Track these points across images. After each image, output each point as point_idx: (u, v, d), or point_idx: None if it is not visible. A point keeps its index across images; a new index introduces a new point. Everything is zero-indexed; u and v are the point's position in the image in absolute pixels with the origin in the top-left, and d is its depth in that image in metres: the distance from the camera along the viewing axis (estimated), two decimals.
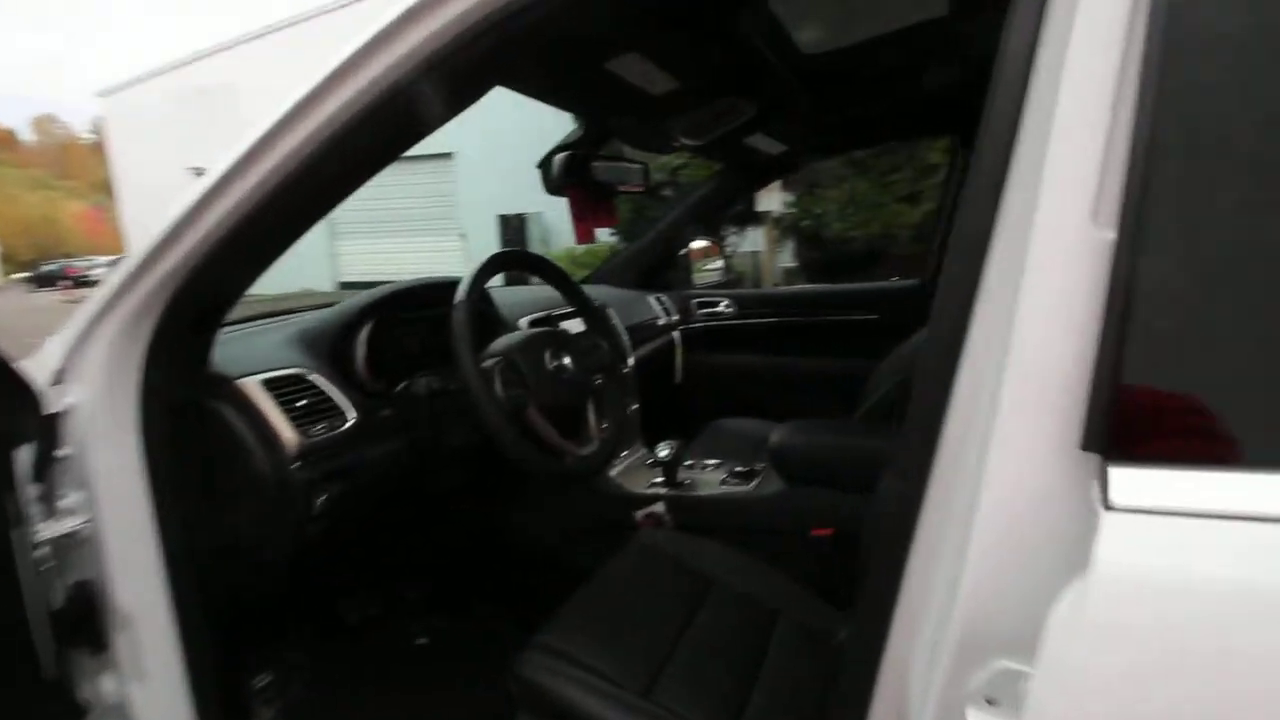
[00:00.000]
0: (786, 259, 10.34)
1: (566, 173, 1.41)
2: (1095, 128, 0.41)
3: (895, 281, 2.13)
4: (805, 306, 2.22)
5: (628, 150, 1.65)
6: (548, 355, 1.11)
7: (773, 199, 6.81)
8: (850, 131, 1.84)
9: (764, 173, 2.07)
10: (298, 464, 0.96)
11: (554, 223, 10.45)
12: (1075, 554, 0.37)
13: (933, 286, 2.01)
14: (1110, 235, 0.39)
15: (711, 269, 2.50)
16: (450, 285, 1.14)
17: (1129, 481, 0.37)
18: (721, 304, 2.34)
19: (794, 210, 8.20)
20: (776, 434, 1.40)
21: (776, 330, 2.28)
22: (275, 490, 0.93)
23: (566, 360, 1.14)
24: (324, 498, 1.00)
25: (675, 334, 2.25)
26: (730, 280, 2.53)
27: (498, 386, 1.03)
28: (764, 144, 1.74)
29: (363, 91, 0.63)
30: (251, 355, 1.05)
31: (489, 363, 1.04)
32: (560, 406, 1.11)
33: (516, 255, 1.28)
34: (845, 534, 1.28)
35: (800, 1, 1.12)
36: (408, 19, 0.60)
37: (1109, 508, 0.36)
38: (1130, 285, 0.38)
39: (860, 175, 7.44)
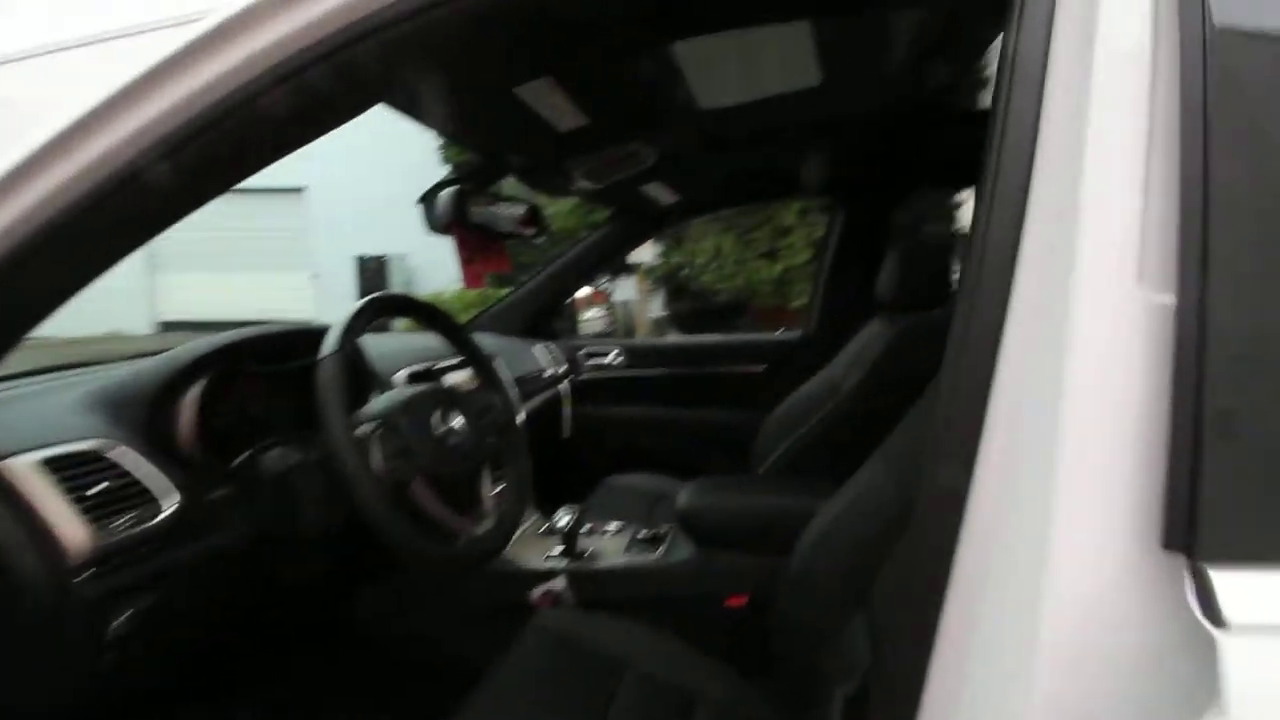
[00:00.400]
0: (657, 309, 10.62)
1: (455, 210, 1.27)
2: (1130, 181, 0.37)
3: (782, 333, 2.19)
4: (695, 358, 2.20)
5: (515, 190, 1.54)
6: (436, 417, 0.95)
7: (644, 249, 6.99)
8: (740, 186, 1.87)
9: (656, 222, 2.05)
10: (88, 574, 0.71)
11: (421, 267, 9.96)
12: (1187, 682, 0.30)
13: (816, 339, 2.12)
14: (1166, 299, 0.35)
15: (597, 318, 2.43)
16: (309, 333, 0.95)
17: (1235, 586, 0.31)
18: (611, 354, 2.26)
19: (664, 261, 8.48)
20: (685, 495, 1.32)
21: (667, 382, 2.23)
22: (47, 616, 0.67)
23: (457, 422, 0.98)
24: (125, 616, 0.74)
25: (563, 386, 2.12)
26: (613, 330, 2.47)
27: (376, 457, 0.84)
28: (659, 193, 1.72)
29: (193, 97, 0.47)
30: (28, 425, 0.78)
31: (365, 428, 0.86)
32: (451, 477, 0.94)
33: (398, 300, 1.10)
34: (760, 601, 1.21)
35: (698, 55, 1.11)
36: (256, 12, 0.46)
37: (1219, 622, 0.30)
38: (1201, 353, 0.33)
39: (725, 231, 7.88)
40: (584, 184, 1.36)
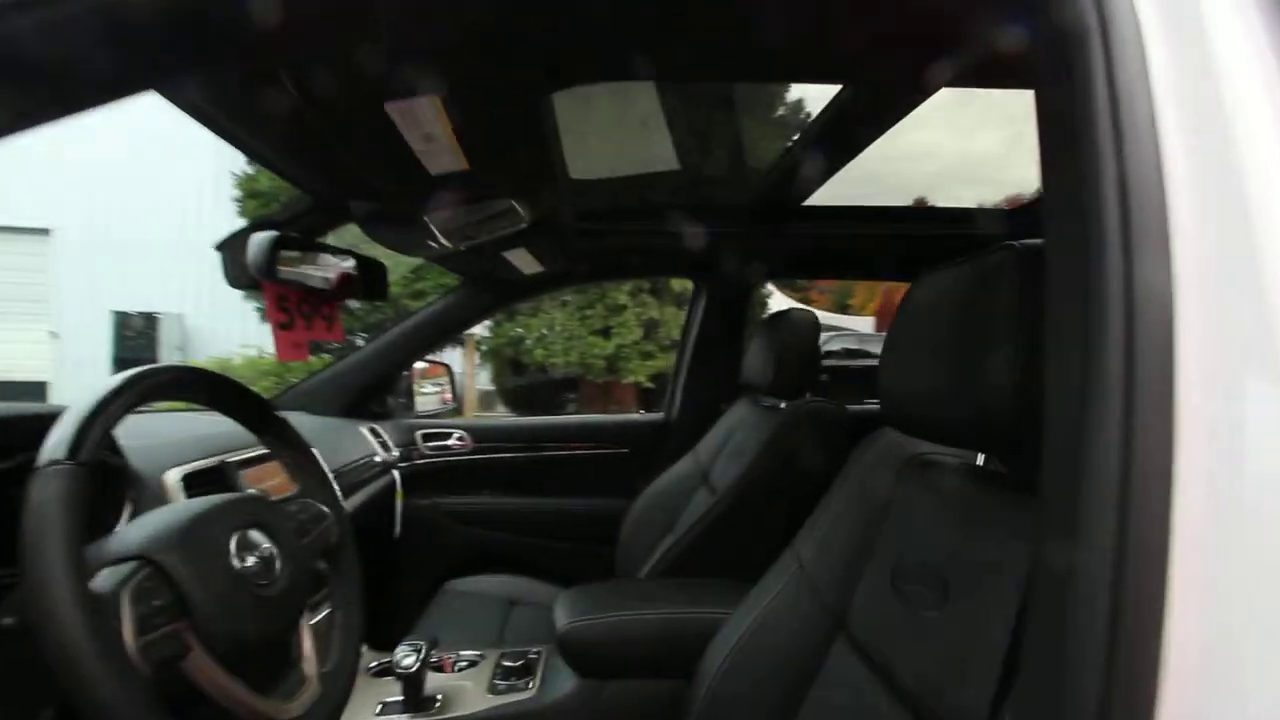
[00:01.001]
0: (484, 382, 10.19)
1: (268, 261, 0.99)
2: None
3: (643, 414, 2.08)
4: (550, 439, 2.00)
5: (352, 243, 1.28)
6: (234, 544, 0.65)
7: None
8: (605, 261, 1.79)
9: (510, 293, 1.87)
10: None
11: (200, 328, 8.55)
12: None
13: (679, 421, 2.04)
14: None
15: (436, 393, 2.14)
16: (28, 422, 0.63)
17: None
18: (454, 436, 1.97)
19: (495, 334, 8.22)
20: (563, 612, 1.09)
21: (519, 466, 1.99)
22: None
23: (267, 546, 0.69)
24: None
25: (394, 474, 1.79)
26: (456, 407, 2.20)
27: (126, 623, 0.53)
28: (523, 261, 1.55)
29: None
30: None
31: (108, 577, 0.55)
32: (256, 639, 0.64)
33: (185, 376, 0.76)
34: None
35: (575, 124, 1.01)
36: None
37: None
38: None
39: (560, 307, 7.89)
40: (444, 242, 1.16)
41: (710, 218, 1.67)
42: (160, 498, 0.85)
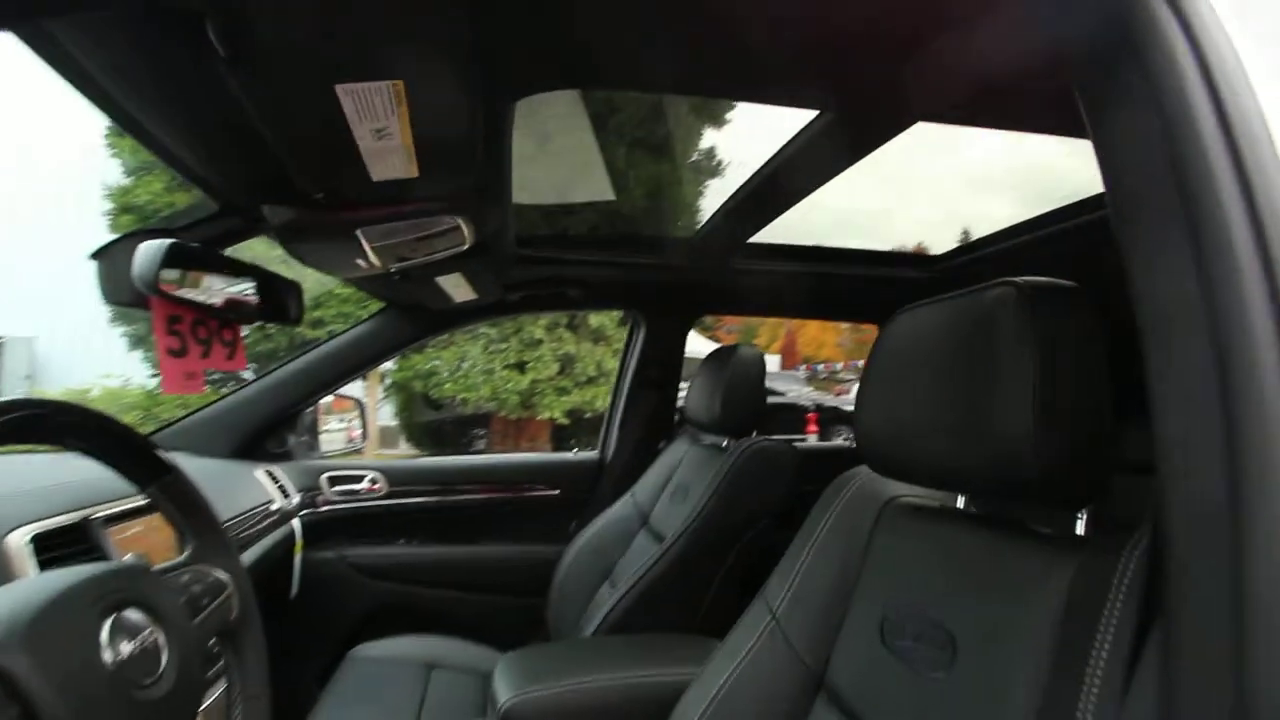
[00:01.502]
0: (387, 417, 9.63)
1: (155, 275, 0.84)
2: None
3: (576, 453, 1.97)
4: (474, 481, 1.85)
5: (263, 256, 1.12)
6: (105, 632, 0.50)
7: None
8: (540, 291, 1.69)
9: (438, 322, 1.73)
10: None
11: (52, 355, 7.55)
12: None
13: (615, 460, 1.95)
14: None
15: (342, 430, 1.94)
16: None
17: None
18: (365, 479, 1.78)
19: (401, 366, 7.80)
20: (505, 685, 0.96)
21: (439, 511, 1.82)
22: None
23: (149, 632, 0.53)
24: None
25: (294, 523, 1.58)
26: (363, 446, 2.00)
27: None
28: (454, 287, 1.43)
29: None
30: None
31: None
32: None
33: (36, 411, 0.59)
34: None
35: (531, 143, 0.95)
36: None
37: None
38: None
39: (472, 340, 7.61)
40: (375, 261, 1.03)
41: (653, 250, 1.63)
42: (6, 570, 0.66)
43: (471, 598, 1.76)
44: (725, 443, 1.57)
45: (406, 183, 0.79)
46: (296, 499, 1.61)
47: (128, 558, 0.66)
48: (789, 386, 10.97)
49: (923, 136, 1.06)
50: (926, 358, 0.70)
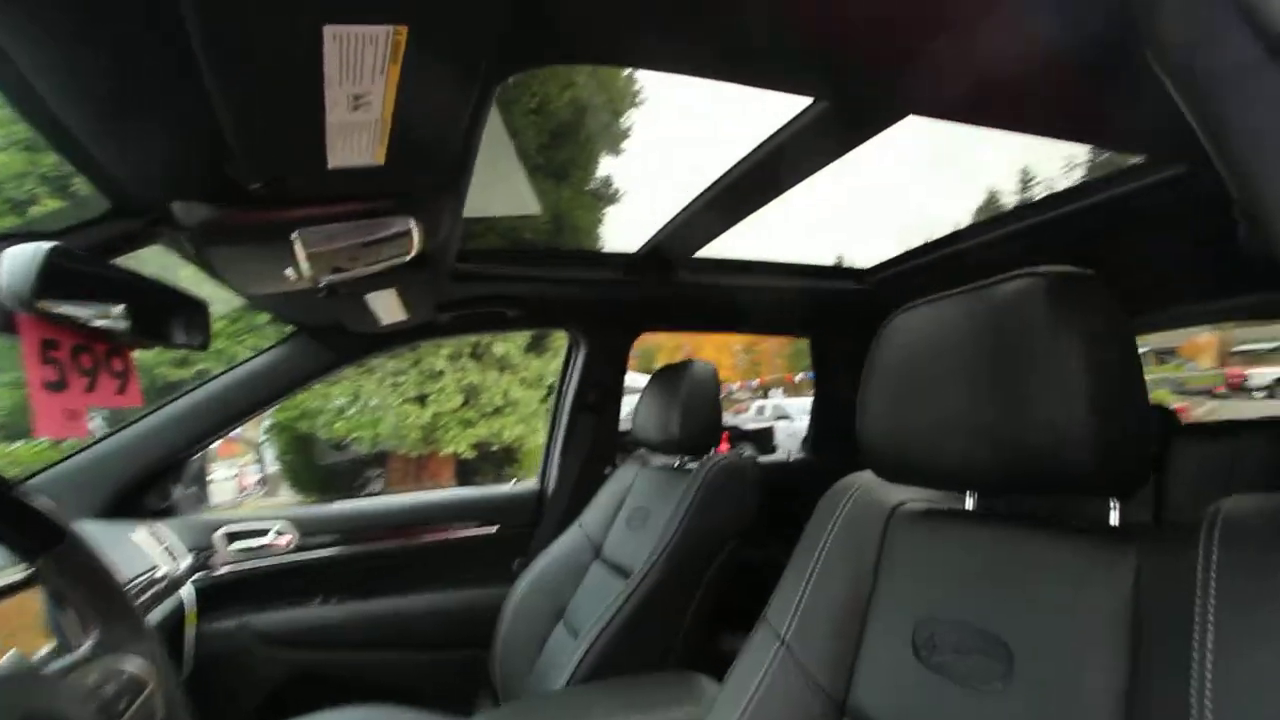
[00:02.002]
0: (269, 462, 8.80)
1: (33, 290, 0.66)
2: None
3: (513, 485, 1.83)
4: (401, 523, 1.66)
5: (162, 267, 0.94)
6: None
7: None
8: (474, 309, 1.56)
9: (359, 347, 1.55)
10: None
11: None
12: None
13: (558, 489, 1.82)
14: None
15: (232, 480, 1.70)
16: None
17: None
18: (270, 532, 1.55)
19: (283, 405, 7.13)
20: None
21: (361, 562, 1.61)
22: None
23: None
24: None
25: (185, 591, 1.33)
26: (263, 492, 1.75)
27: None
28: (385, 306, 1.28)
29: None
30: None
31: None
32: None
33: None
34: None
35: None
36: None
37: None
38: None
39: (365, 373, 7.10)
40: (306, 272, 0.88)
41: (595, 266, 1.56)
42: None
43: (405, 657, 1.57)
44: (678, 461, 1.51)
45: (364, 173, 0.67)
46: (187, 561, 1.36)
47: (2, 662, 0.49)
48: None
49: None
50: (940, 356, 0.68)
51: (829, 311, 1.90)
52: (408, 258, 0.99)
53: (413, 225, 0.87)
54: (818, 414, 2.16)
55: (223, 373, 1.49)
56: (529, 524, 1.74)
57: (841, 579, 0.80)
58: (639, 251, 1.49)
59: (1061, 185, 1.23)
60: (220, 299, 1.14)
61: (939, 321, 0.70)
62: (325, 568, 1.58)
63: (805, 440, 2.22)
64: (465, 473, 8.53)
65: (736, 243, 1.50)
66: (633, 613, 1.16)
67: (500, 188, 1.52)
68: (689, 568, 1.20)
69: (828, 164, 1.00)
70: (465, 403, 7.21)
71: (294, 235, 0.78)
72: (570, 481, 1.75)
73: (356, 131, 0.56)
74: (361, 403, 7.01)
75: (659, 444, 1.48)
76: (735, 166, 1.08)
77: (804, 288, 1.75)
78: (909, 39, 0.68)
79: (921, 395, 0.70)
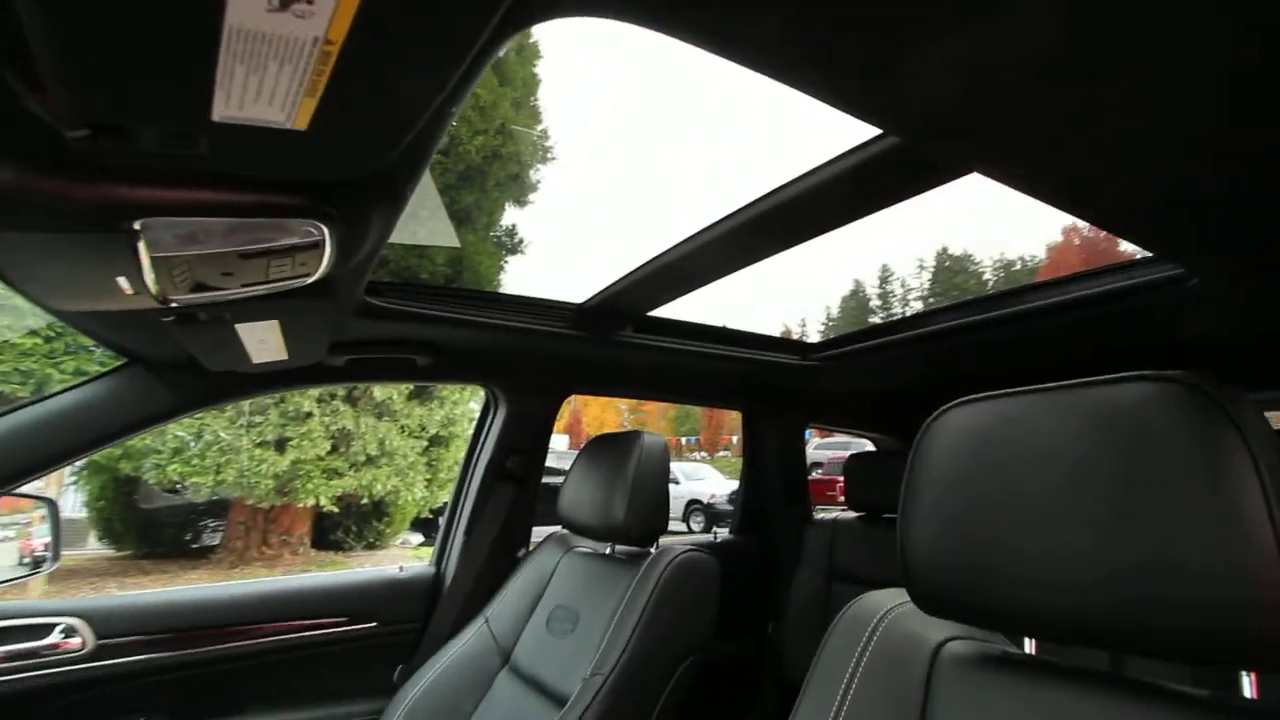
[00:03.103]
0: (71, 508, 7.39)
1: None
2: None
3: (401, 570, 1.48)
4: (245, 620, 1.28)
5: None
6: None
7: None
8: (376, 355, 1.27)
9: (211, 393, 1.19)
10: None
11: None
12: None
13: (459, 574, 1.49)
14: None
15: (11, 542, 1.27)
16: None
17: None
18: (55, 631, 1.12)
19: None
20: None
21: (187, 671, 1.21)
22: None
23: None
24: None
25: None
26: (41, 565, 1.31)
27: None
28: (260, 343, 0.98)
29: None
30: None
31: None
32: None
33: None
34: None
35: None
36: None
37: None
38: None
39: (216, 413, 6.18)
40: (150, 285, 0.59)
41: (533, 313, 1.34)
42: None
43: None
44: (610, 548, 1.29)
45: (271, 140, 0.44)
46: None
47: None
48: None
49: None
50: (1021, 470, 0.54)
51: (769, 386, 1.79)
52: (308, 280, 0.73)
53: (327, 235, 0.62)
54: (747, 494, 2.02)
55: (21, 406, 1.09)
56: (418, 619, 1.42)
57: None
58: (587, 302, 1.29)
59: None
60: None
61: (1016, 427, 0.56)
62: (135, 679, 1.17)
63: (732, 520, 2.07)
64: (324, 529, 7.59)
65: (680, 304, 1.35)
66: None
67: (424, 212, 1.28)
68: (641, 696, 0.97)
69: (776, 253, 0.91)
70: (333, 450, 6.47)
71: (137, 224, 0.51)
72: (475, 566, 1.45)
73: (274, 59, 0.34)
74: (205, 442, 6.07)
75: (594, 530, 1.25)
76: (720, 222, 0.94)
77: (747, 358, 1.63)
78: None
79: (990, 516, 0.55)
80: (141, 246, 0.54)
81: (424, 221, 1.36)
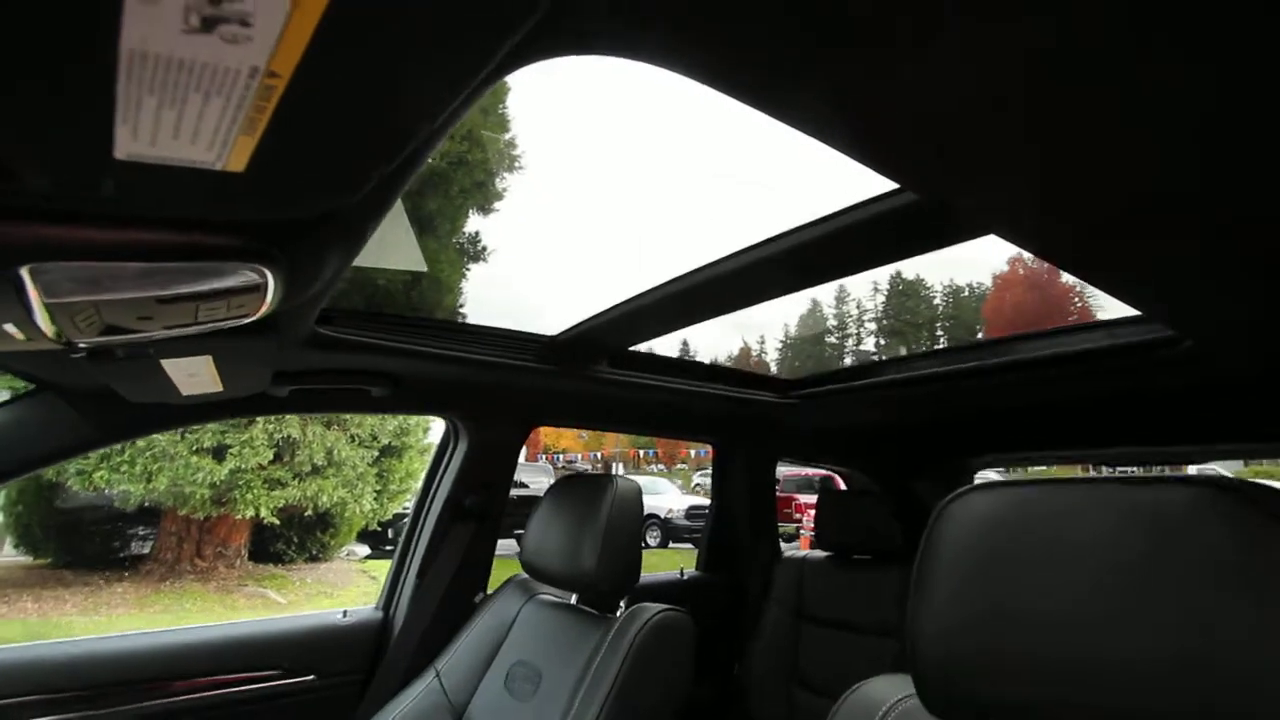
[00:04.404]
0: None
1: None
2: None
3: (345, 615, 1.35)
4: (161, 674, 1.14)
5: None
6: None
7: None
8: (328, 387, 1.16)
9: (134, 424, 1.06)
10: None
11: None
12: None
13: (413, 615, 1.37)
14: None
15: None
16: None
17: None
18: None
19: None
20: None
21: None
22: None
23: None
24: None
25: None
26: None
27: None
28: (189, 377, 0.87)
29: None
30: None
31: None
32: None
33: None
34: None
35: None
36: None
37: None
38: None
39: None
40: (45, 330, 0.49)
41: (500, 345, 1.25)
42: None
43: None
44: (576, 597, 1.21)
45: (194, 183, 0.35)
46: None
47: None
48: (537, 479, 10.59)
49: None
50: (1060, 570, 0.49)
51: (744, 421, 1.74)
52: (245, 321, 0.63)
53: (270, 278, 0.53)
54: (714, 529, 1.95)
55: None
56: (362, 671, 1.30)
57: None
58: (560, 336, 1.21)
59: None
60: None
61: (1041, 519, 0.52)
62: None
63: (698, 558, 2.00)
64: (263, 542, 7.20)
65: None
66: None
67: (391, 240, 1.19)
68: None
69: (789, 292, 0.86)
70: (276, 459, 6.15)
71: (22, 270, 0.41)
72: (428, 612, 1.34)
73: (196, 91, 0.25)
74: (137, 447, 5.69)
75: (560, 579, 1.17)
76: (705, 268, 0.88)
77: (724, 395, 1.57)
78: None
79: (1014, 616, 0.50)
80: (30, 290, 0.44)
81: (390, 250, 1.25)
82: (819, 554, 1.79)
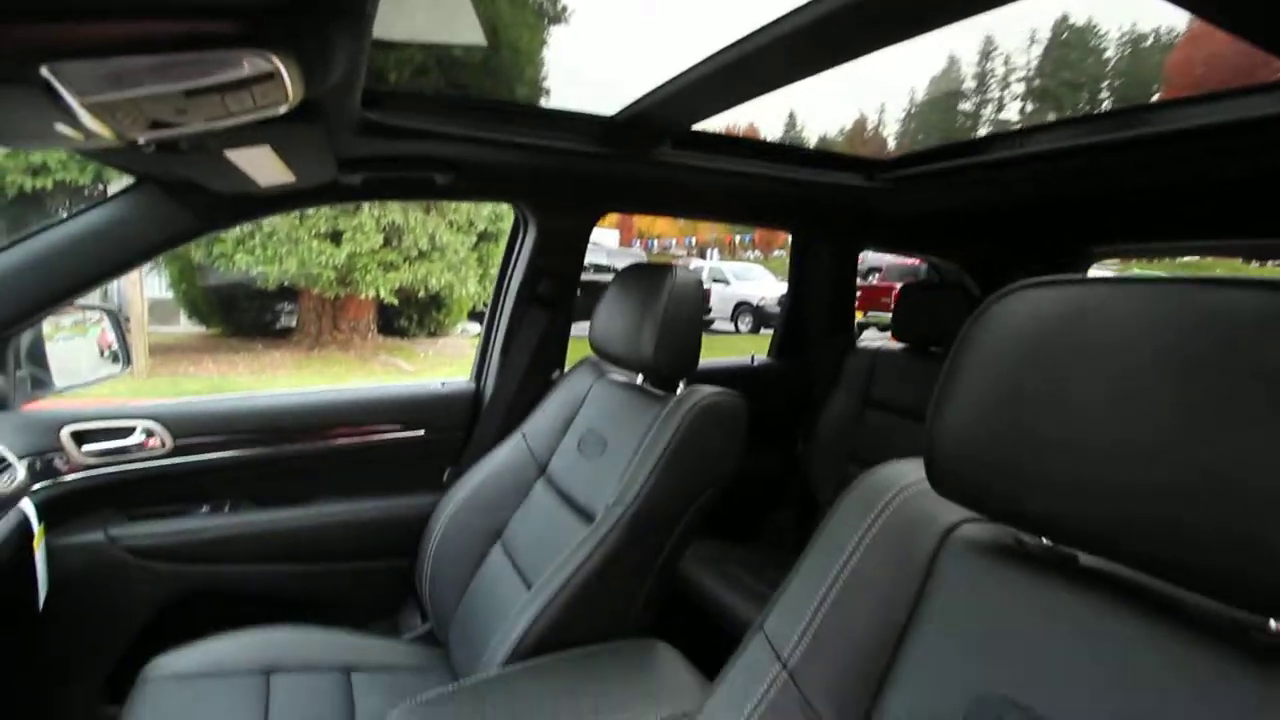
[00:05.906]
0: (158, 289, 8.01)
1: None
2: None
3: (443, 384, 1.56)
4: (305, 425, 1.39)
5: None
6: None
7: None
8: (390, 174, 1.19)
9: (233, 211, 1.16)
10: None
11: None
12: None
13: (498, 391, 1.56)
14: None
15: (86, 347, 1.36)
16: None
17: None
18: (137, 431, 1.25)
19: None
20: None
21: (257, 467, 1.36)
22: None
23: None
24: None
25: (25, 505, 1.05)
26: (119, 370, 1.41)
27: None
28: (259, 166, 0.91)
29: None
30: None
31: None
32: None
33: None
34: None
35: None
36: None
37: None
38: None
39: None
40: (93, 127, 0.52)
41: (558, 128, 1.20)
42: None
43: (313, 569, 1.38)
44: (641, 377, 1.30)
45: None
46: (21, 473, 1.07)
47: None
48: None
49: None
50: (1098, 366, 0.46)
51: (825, 208, 1.63)
52: (279, 110, 0.64)
53: (279, 65, 0.52)
54: (789, 317, 1.96)
55: (47, 228, 1.09)
56: (462, 429, 1.52)
57: (868, 606, 0.63)
58: (619, 115, 1.13)
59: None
60: None
61: (1091, 317, 0.48)
62: (211, 472, 1.32)
63: (771, 344, 2.04)
64: (388, 317, 8.06)
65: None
66: (595, 570, 0.99)
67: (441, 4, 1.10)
68: (659, 523, 1.03)
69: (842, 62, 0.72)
70: (386, 243, 6.59)
71: (43, 69, 0.43)
72: (512, 385, 1.51)
73: None
74: (265, 233, 6.25)
75: (620, 359, 1.25)
76: (769, 27, 0.75)
77: (806, 179, 1.46)
78: None
79: (1035, 405, 0.49)
80: (63, 91, 0.46)
81: (442, 23, 1.16)
82: (893, 346, 1.78)
